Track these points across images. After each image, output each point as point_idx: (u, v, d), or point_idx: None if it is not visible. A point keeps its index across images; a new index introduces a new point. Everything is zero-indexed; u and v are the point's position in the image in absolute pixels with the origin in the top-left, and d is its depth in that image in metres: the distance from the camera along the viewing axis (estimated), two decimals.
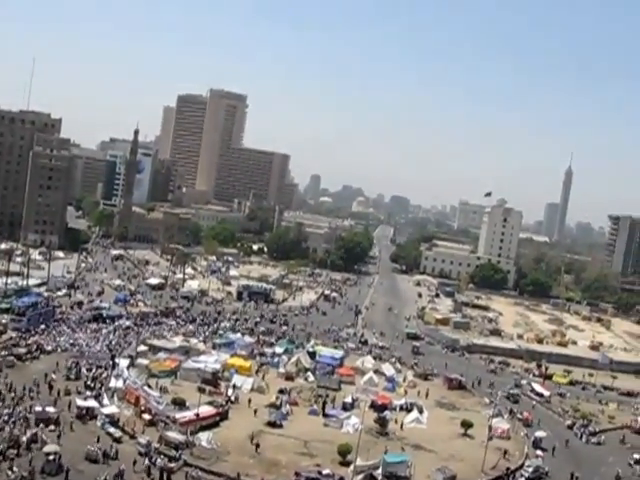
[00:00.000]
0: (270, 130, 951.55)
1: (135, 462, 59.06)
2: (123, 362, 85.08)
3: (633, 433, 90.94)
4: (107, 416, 67.54)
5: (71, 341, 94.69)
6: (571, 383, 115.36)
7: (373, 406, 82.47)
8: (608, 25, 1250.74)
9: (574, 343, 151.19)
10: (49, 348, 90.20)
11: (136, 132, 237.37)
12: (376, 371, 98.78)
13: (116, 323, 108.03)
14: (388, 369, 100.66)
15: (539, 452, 75.93)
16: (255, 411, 75.74)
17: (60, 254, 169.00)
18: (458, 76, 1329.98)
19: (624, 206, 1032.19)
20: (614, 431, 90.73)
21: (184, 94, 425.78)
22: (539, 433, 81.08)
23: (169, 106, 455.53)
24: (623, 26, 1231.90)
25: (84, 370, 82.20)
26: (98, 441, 61.57)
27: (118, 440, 63.49)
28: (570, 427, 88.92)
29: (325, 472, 60.00)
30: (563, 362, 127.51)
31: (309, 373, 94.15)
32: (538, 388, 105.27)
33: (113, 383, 77.29)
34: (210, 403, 74.35)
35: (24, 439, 59.67)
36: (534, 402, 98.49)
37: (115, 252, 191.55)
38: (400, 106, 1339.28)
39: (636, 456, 79.54)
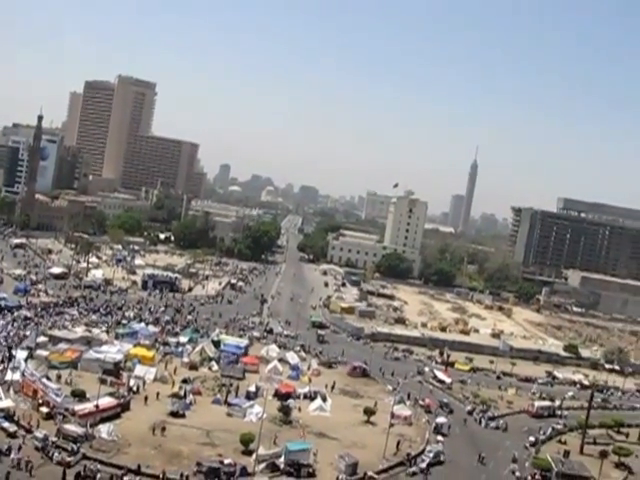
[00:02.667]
0: (179, 119, 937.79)
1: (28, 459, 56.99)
2: (21, 354, 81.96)
3: (530, 417, 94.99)
4: (2, 410, 65.09)
5: None
6: (472, 370, 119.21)
7: (277, 395, 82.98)
8: (505, 18, 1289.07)
9: (476, 331, 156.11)
10: None
11: (40, 118, 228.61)
12: (281, 360, 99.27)
13: (15, 314, 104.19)
14: (293, 358, 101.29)
15: (440, 437, 78.10)
16: (157, 394, 75.26)
17: None
18: (367, 66, 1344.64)
19: (528, 198, 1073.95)
20: (512, 416, 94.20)
21: (91, 80, 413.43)
22: (440, 419, 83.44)
23: (76, 92, 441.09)
24: (514, 19, 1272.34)
25: None
26: None
27: (13, 435, 61.30)
28: (470, 413, 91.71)
29: (227, 462, 59.79)
30: (465, 350, 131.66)
31: (213, 362, 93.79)
32: (440, 375, 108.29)
33: (9, 376, 74.22)
34: (111, 394, 72.81)
35: None
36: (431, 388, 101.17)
37: (16, 241, 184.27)
38: (310, 96, 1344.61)
39: (532, 439, 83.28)
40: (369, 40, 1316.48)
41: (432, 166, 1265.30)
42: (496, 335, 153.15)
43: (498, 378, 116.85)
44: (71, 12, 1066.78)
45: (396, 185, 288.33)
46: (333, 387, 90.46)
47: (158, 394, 77.34)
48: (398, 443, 71.72)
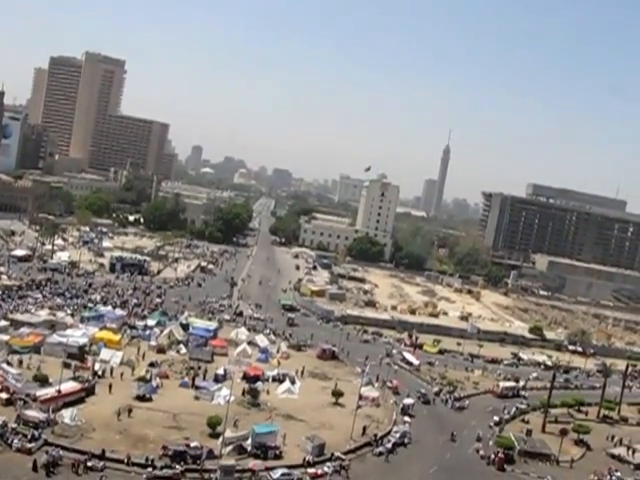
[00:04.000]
0: (150, 99, 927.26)
1: None
2: None
3: (495, 397, 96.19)
4: None
5: None
6: (440, 352, 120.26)
7: (245, 377, 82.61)
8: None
9: (445, 314, 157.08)
10: None
11: (1, 94, 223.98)
12: (250, 343, 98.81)
13: None
14: (262, 340, 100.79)
15: (406, 418, 78.56)
16: (122, 376, 74.72)
17: None
18: (341, 48, 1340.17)
19: (499, 183, 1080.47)
20: (477, 396, 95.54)
21: (57, 56, 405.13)
22: (407, 400, 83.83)
23: (41, 68, 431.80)
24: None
25: None
26: None
27: None
28: (437, 394, 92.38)
29: (193, 445, 59.18)
30: (434, 332, 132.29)
31: (181, 345, 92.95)
32: (408, 357, 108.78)
33: None
34: (75, 379, 71.63)
35: None
36: (397, 368, 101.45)
37: None
38: (286, 79, 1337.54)
39: (496, 418, 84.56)
40: (345, 22, 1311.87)
41: (405, 150, 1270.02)
42: (464, 318, 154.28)
43: (465, 360, 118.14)
44: None
45: (368, 169, 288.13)
46: (303, 372, 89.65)
47: (122, 376, 76.61)
48: (364, 428, 71.50)
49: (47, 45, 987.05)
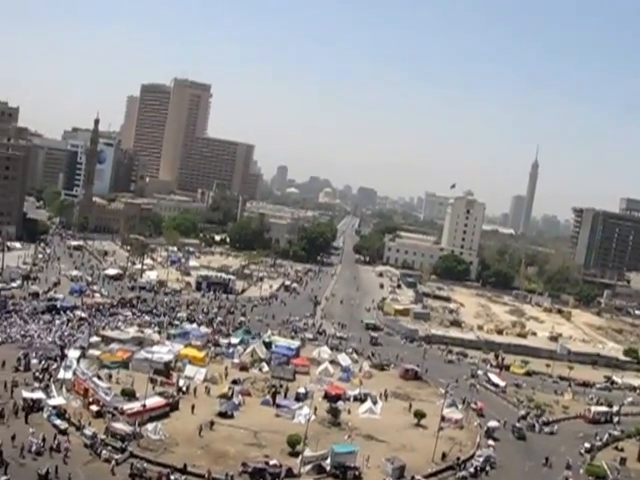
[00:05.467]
0: (236, 120, 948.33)
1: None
2: (74, 353, 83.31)
3: (586, 423, 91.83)
4: (54, 408, 66.27)
5: (22, 332, 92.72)
6: (528, 374, 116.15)
7: (327, 397, 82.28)
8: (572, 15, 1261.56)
9: (534, 334, 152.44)
10: None
11: (96, 121, 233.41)
12: (332, 361, 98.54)
13: (70, 314, 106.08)
14: (344, 359, 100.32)
15: (491, 442, 76.22)
16: (207, 392, 75.10)
17: (17, 245, 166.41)
18: (424, 68, 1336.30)
19: (591, 198, 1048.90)
20: (567, 421, 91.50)
21: (148, 84, 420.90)
22: (492, 423, 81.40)
23: (133, 96, 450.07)
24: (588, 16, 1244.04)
25: (34, 361, 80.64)
26: (42, 433, 60.11)
27: (64, 432, 62.12)
28: (524, 417, 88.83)
29: (272, 463, 59.38)
30: (521, 353, 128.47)
31: (264, 363, 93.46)
32: (494, 378, 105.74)
33: (62, 374, 75.73)
34: (161, 394, 73.38)
35: None
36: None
37: (74, 243, 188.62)
38: (369, 97, 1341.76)
39: (587, 445, 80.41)
40: (428, 41, 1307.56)
41: (492, 166, 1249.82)
42: (554, 338, 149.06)
43: (554, 382, 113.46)
44: (125, 17, 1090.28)
45: (453, 186, 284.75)
46: (386, 395, 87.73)
47: (206, 392, 77.74)
48: (444, 454, 69.35)
49: (138, 73, 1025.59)
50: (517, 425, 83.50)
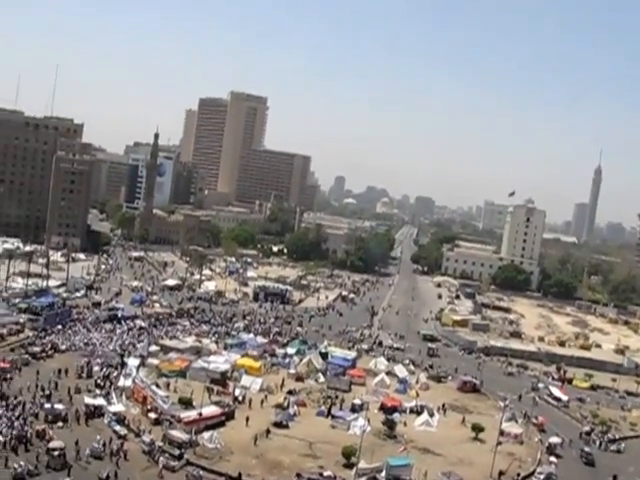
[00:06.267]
0: (292, 131, 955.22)
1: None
2: (133, 361, 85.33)
3: None
4: (114, 414, 67.90)
5: (85, 340, 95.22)
6: (592, 388, 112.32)
7: (382, 408, 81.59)
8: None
9: (598, 346, 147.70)
10: (63, 347, 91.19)
11: (156, 136, 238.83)
12: (389, 373, 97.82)
13: (130, 323, 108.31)
14: (401, 371, 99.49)
15: (552, 458, 73.85)
16: (262, 404, 75.56)
17: (81, 256, 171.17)
18: (481, 75, 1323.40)
19: None
20: (636, 439, 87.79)
21: (205, 97, 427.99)
22: (553, 439, 79.04)
23: (191, 109, 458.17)
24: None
25: (96, 369, 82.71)
26: (102, 438, 61.58)
27: (123, 438, 63.46)
28: (588, 433, 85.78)
29: (326, 474, 59.20)
30: (585, 366, 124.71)
31: (320, 374, 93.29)
32: (556, 392, 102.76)
33: (122, 382, 77.56)
34: (217, 403, 74.10)
35: (31, 434, 60.55)
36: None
37: (135, 254, 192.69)
38: (426, 106, 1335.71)
39: None
40: (483, 50, 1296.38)
41: (553, 173, 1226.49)
42: (620, 351, 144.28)
43: (621, 397, 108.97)
44: (181, 35, 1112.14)
45: (512, 193, 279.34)
46: (445, 409, 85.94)
47: (261, 402, 78.06)
48: (500, 472, 67.20)
49: (196, 88, 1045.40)
50: (586, 449, 78.63)
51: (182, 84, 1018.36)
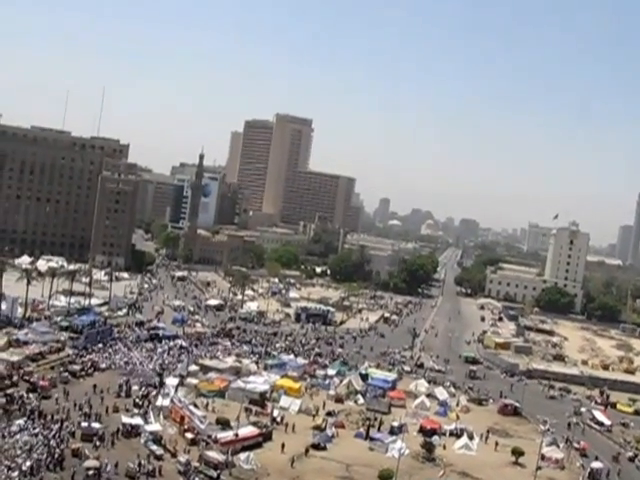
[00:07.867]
0: (337, 153, 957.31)
1: None
2: (172, 381, 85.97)
3: None
4: (151, 433, 68.19)
5: (125, 359, 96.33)
6: (637, 413, 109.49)
7: (422, 431, 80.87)
8: None
9: None
10: (103, 366, 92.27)
11: (201, 157, 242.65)
12: (429, 395, 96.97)
13: (171, 343, 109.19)
14: (441, 393, 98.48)
15: None
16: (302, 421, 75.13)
17: (125, 275, 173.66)
18: (527, 96, 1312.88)
19: None
20: None
21: (251, 119, 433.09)
22: (596, 464, 77.46)
23: (237, 131, 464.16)
24: None
25: (135, 388, 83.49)
26: (139, 458, 62.01)
27: (159, 458, 63.73)
28: (631, 459, 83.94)
29: None
30: (629, 390, 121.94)
31: (359, 396, 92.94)
32: (599, 416, 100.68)
33: (160, 401, 77.98)
34: (254, 424, 74.24)
35: (66, 453, 61.05)
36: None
37: (178, 273, 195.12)
38: (470, 127, 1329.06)
39: None
40: (518, 71, 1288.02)
41: (598, 195, 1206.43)
42: None
43: None
44: (229, 56, 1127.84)
45: (556, 216, 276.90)
46: (487, 437, 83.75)
47: (300, 424, 77.83)
48: None
49: (242, 109, 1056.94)
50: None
51: (229, 106, 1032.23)
